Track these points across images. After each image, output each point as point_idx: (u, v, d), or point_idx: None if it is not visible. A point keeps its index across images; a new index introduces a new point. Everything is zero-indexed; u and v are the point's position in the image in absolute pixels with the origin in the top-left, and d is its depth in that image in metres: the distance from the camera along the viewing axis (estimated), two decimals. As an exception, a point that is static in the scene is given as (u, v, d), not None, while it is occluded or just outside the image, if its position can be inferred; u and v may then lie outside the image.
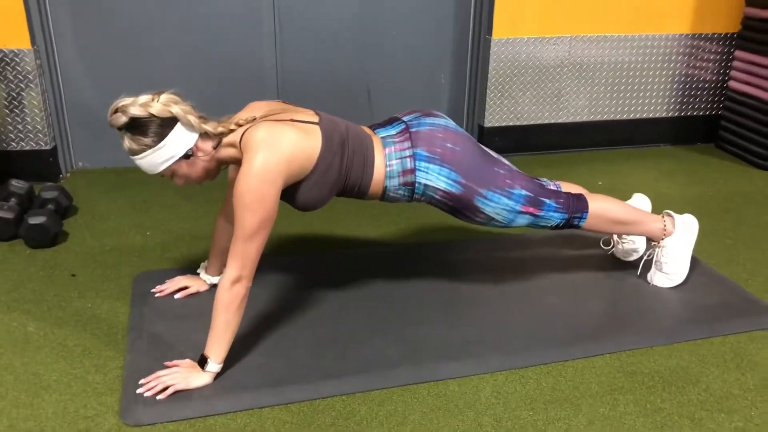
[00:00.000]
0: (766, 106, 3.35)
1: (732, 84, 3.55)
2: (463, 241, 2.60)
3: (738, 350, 1.97)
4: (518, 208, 1.98)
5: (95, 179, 3.13)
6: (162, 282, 2.20)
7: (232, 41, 3.16)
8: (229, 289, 1.71)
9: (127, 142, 1.76)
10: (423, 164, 1.91)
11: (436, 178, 1.92)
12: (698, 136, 3.73)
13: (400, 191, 1.96)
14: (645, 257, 2.29)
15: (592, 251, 2.50)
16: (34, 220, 2.43)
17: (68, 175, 3.18)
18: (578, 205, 2.06)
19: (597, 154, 3.58)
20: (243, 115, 1.88)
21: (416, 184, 1.93)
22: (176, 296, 2.14)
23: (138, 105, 1.73)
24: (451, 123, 2.01)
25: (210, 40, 3.13)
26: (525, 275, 2.33)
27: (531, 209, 2.00)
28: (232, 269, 1.70)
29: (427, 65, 3.41)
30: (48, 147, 3.02)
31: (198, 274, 2.20)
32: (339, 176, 1.87)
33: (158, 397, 1.70)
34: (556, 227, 2.08)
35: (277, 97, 3.28)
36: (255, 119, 1.83)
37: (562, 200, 2.04)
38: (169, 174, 1.83)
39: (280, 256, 2.45)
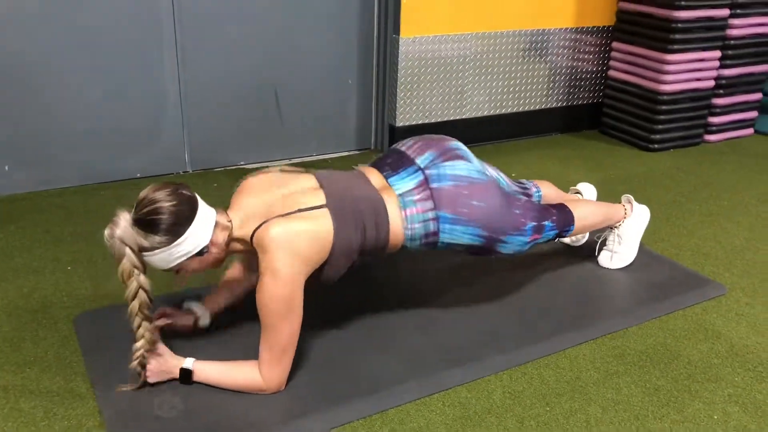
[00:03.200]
0: (642, 92, 3.64)
1: (611, 73, 3.82)
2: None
3: (699, 321, 2.12)
4: (527, 239, 1.95)
5: (-22, 212, 2.73)
6: (110, 321, 1.97)
7: (128, 49, 2.88)
8: (264, 388, 1.70)
9: (138, 239, 1.58)
10: (447, 226, 1.83)
11: (459, 236, 1.85)
12: (584, 124, 3.97)
13: (420, 248, 1.88)
14: (599, 239, 2.39)
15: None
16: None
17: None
18: (567, 218, 2.08)
19: (500, 146, 3.70)
20: (243, 200, 1.77)
21: (439, 243, 1.86)
22: (157, 322, 1.85)
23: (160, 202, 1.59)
24: (472, 166, 1.88)
25: (101, 47, 2.84)
26: (488, 273, 2.34)
27: (536, 236, 1.98)
28: (274, 381, 1.70)
29: (333, 67, 3.33)
30: None
31: (187, 309, 1.95)
32: (355, 250, 1.77)
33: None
34: (547, 241, 2.10)
35: (180, 107, 3.04)
36: (262, 215, 1.72)
37: (554, 218, 2.04)
38: (177, 269, 1.67)
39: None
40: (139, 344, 1.66)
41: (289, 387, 1.73)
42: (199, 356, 1.75)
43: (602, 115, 3.93)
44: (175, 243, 1.60)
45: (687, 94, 3.61)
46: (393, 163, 1.90)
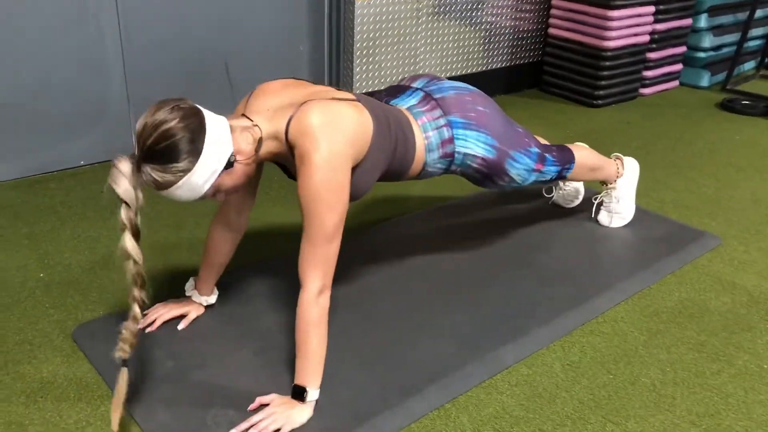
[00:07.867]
0: (585, 49, 3.68)
1: (551, 31, 3.83)
2: (411, 214, 2.47)
3: (710, 273, 2.17)
4: (533, 165, 1.92)
5: None
6: (112, 329, 1.74)
7: (62, 17, 2.54)
8: (315, 302, 1.45)
9: (156, 175, 1.35)
10: (461, 131, 1.76)
11: (474, 145, 1.78)
12: (524, 84, 3.98)
13: (438, 164, 1.79)
14: (596, 200, 2.39)
15: (533, 203, 2.54)
16: None
17: None
18: (567, 156, 2.07)
19: (453, 109, 3.63)
20: (262, 102, 1.55)
21: (455, 155, 1.78)
22: (180, 326, 1.74)
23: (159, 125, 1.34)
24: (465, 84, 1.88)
25: (33, 16, 2.48)
26: (493, 239, 2.28)
27: (540, 166, 1.95)
28: (315, 280, 1.44)
29: (284, 33, 3.11)
30: None
31: (188, 297, 1.81)
32: (387, 156, 1.64)
33: None
34: (548, 181, 2.07)
35: (125, 81, 2.74)
36: (293, 105, 1.50)
37: (555, 153, 2.03)
38: (212, 193, 1.44)
39: (254, 263, 2.08)
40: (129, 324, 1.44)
41: (338, 383, 1.60)
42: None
43: (543, 73, 3.95)
44: (200, 161, 1.37)
45: (627, 49, 3.70)
46: (390, 93, 1.85)
